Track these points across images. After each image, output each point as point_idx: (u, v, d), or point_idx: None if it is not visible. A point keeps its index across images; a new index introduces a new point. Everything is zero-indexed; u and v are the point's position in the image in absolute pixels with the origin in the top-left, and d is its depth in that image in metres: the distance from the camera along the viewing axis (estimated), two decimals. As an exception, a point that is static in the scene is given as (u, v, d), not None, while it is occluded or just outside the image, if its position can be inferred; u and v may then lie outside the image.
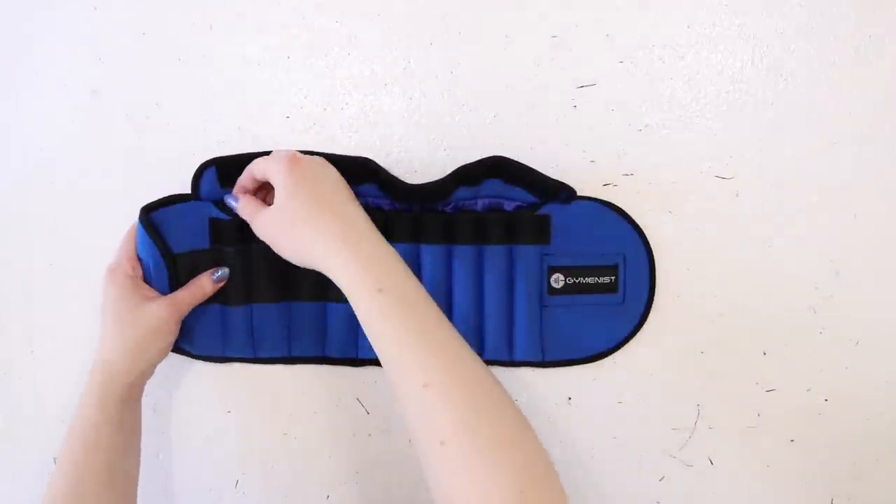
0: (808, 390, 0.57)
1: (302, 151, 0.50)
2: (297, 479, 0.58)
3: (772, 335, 0.57)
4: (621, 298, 0.56)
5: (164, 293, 0.53)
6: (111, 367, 0.50)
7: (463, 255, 0.54)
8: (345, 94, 0.57)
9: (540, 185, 0.54)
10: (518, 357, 0.55)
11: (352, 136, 0.57)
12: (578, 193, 0.55)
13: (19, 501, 0.60)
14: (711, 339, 0.57)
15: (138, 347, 0.50)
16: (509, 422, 0.41)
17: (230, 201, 0.52)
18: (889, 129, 0.56)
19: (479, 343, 0.55)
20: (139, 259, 0.53)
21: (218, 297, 0.54)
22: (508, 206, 0.55)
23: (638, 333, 0.56)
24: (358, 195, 0.51)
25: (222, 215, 0.54)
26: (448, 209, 0.55)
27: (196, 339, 0.55)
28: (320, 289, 0.55)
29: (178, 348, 0.55)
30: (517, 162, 0.54)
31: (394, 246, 0.47)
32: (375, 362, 0.56)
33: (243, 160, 0.52)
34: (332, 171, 0.50)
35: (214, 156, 0.54)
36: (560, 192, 0.54)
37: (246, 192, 0.53)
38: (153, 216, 0.53)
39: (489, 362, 0.56)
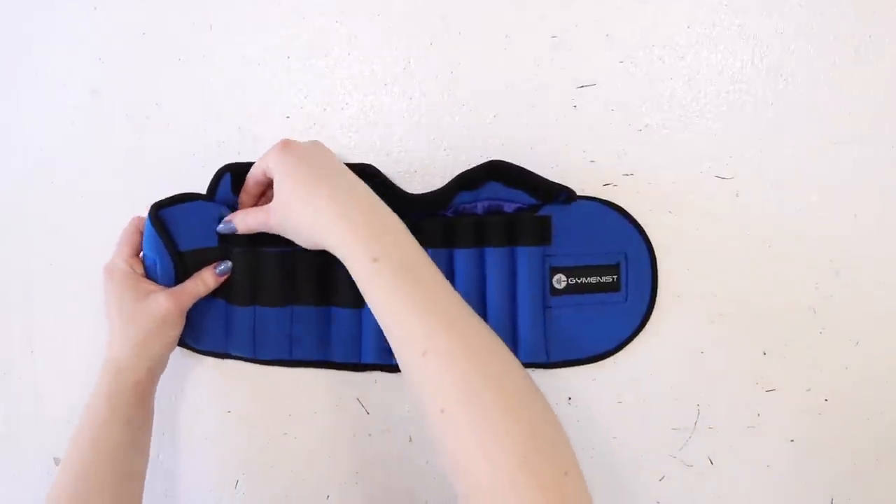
0: (808, 390, 0.57)
1: None
2: (297, 479, 0.58)
3: (772, 335, 0.57)
4: (624, 297, 0.56)
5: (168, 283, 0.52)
6: (118, 363, 0.50)
7: (464, 258, 0.54)
8: (345, 94, 0.57)
9: (539, 187, 0.54)
10: (522, 359, 0.55)
11: (352, 136, 0.57)
12: (578, 193, 0.55)
13: (19, 501, 0.60)
14: (711, 339, 0.57)
15: (144, 341, 0.50)
16: (514, 386, 0.40)
17: (226, 227, 0.51)
18: (889, 129, 0.56)
19: None
20: (144, 256, 0.53)
21: (223, 295, 0.54)
22: (509, 207, 0.55)
23: (639, 333, 0.56)
24: None
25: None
26: (448, 213, 0.55)
27: (200, 334, 0.55)
28: (325, 293, 0.55)
29: (182, 342, 0.54)
30: (516, 165, 0.54)
31: None
32: (378, 367, 0.56)
33: None
34: (325, 148, 0.49)
35: (216, 157, 0.55)
36: (560, 193, 0.54)
37: (252, 197, 0.53)
38: (162, 213, 0.52)
39: None
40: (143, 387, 0.51)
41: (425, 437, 0.57)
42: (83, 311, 0.58)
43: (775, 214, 0.56)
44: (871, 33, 0.55)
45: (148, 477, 0.53)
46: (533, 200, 0.55)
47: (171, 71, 0.57)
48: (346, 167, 0.49)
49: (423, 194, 0.54)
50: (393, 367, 0.56)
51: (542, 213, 0.55)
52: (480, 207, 0.55)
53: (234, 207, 0.54)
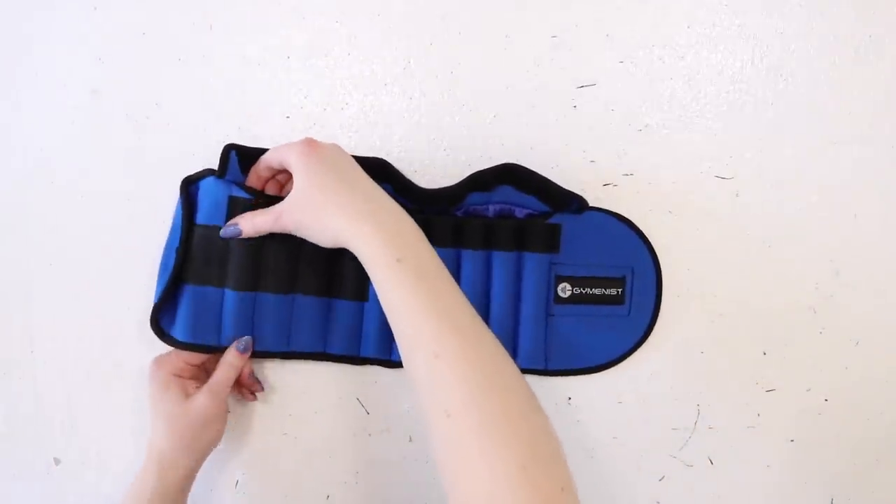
0: (808, 390, 0.57)
1: None
2: (297, 479, 0.58)
3: (772, 335, 0.57)
4: (627, 311, 0.56)
5: (170, 260, 0.53)
6: (163, 461, 0.51)
7: (471, 259, 0.54)
8: (345, 94, 0.57)
9: (552, 194, 0.54)
10: (521, 364, 0.55)
11: (352, 136, 0.57)
12: (578, 193, 0.55)
13: (19, 501, 0.59)
14: (711, 339, 0.57)
15: (191, 441, 0.51)
16: (517, 397, 0.40)
17: (229, 231, 0.51)
18: (889, 129, 0.56)
19: None
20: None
21: (221, 281, 0.53)
22: (520, 213, 0.55)
23: (639, 349, 0.56)
24: None
25: (242, 193, 0.53)
26: (459, 213, 0.55)
27: (191, 325, 0.53)
28: (330, 284, 0.55)
29: (170, 339, 0.53)
30: (529, 170, 0.54)
31: None
32: (376, 361, 0.56)
33: (262, 153, 0.53)
34: (347, 155, 0.50)
35: (216, 157, 0.54)
36: (572, 202, 0.54)
37: (260, 179, 0.53)
38: (191, 188, 0.54)
39: None
40: (188, 481, 0.53)
41: (425, 438, 0.57)
42: (83, 311, 0.58)
43: (775, 214, 0.56)
44: (871, 33, 0.55)
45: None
46: (544, 207, 0.55)
47: (171, 71, 0.57)
48: (365, 173, 0.50)
49: (435, 190, 0.54)
50: (391, 363, 0.56)
51: (552, 221, 0.55)
52: (492, 210, 0.55)
53: (242, 186, 0.54)
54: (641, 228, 0.56)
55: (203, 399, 0.51)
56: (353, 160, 0.50)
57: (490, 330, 0.44)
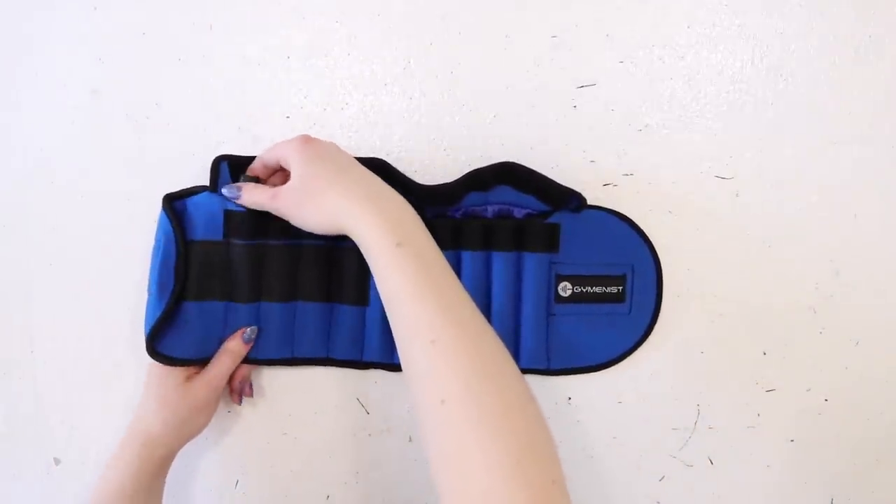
0: (808, 390, 0.57)
1: None
2: (297, 479, 0.58)
3: (772, 335, 0.57)
4: (628, 309, 0.56)
5: (169, 279, 0.52)
6: (150, 437, 0.51)
7: (471, 260, 0.54)
8: (345, 94, 0.57)
9: (551, 192, 0.54)
10: (523, 364, 0.55)
11: (352, 136, 0.57)
12: (578, 193, 0.55)
13: (19, 501, 0.60)
14: (711, 339, 0.57)
15: (182, 423, 0.52)
16: (513, 389, 0.40)
17: (231, 192, 0.51)
18: (889, 129, 0.56)
19: None
20: (155, 241, 0.53)
21: (225, 295, 0.53)
22: (518, 213, 0.55)
23: (640, 346, 0.56)
24: None
25: (238, 207, 0.53)
26: (458, 215, 0.55)
27: (198, 340, 0.53)
28: (330, 289, 0.55)
29: (168, 359, 0.52)
30: (527, 168, 0.54)
31: None
32: (379, 366, 0.56)
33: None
34: (344, 151, 0.50)
35: (217, 156, 0.54)
36: (571, 199, 0.54)
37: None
38: (176, 204, 0.53)
39: None
40: (168, 462, 0.53)
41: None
42: (83, 311, 0.58)
43: (775, 214, 0.56)
44: (871, 33, 0.55)
45: (148, 477, 0.53)
46: (543, 206, 0.55)
47: (171, 71, 0.57)
48: (363, 165, 0.50)
49: (432, 186, 0.54)
50: (393, 366, 0.56)
51: (551, 220, 0.55)
52: (490, 211, 0.55)
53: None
54: (650, 240, 0.56)
55: (201, 385, 0.52)
56: (350, 156, 0.50)
57: (486, 320, 0.44)
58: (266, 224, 0.53)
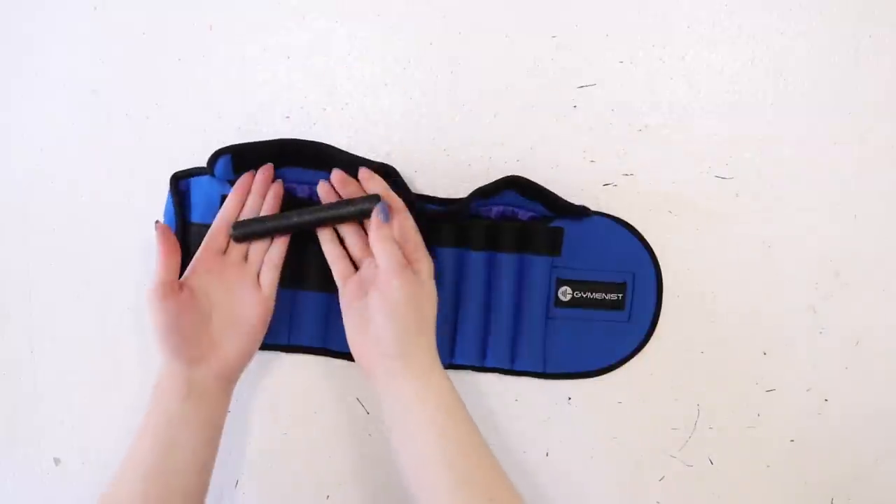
0: (808, 390, 0.57)
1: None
2: (297, 479, 0.58)
3: (772, 335, 0.57)
4: (626, 317, 0.56)
5: None
6: (229, 364, 0.50)
7: (474, 260, 0.54)
8: (345, 94, 0.57)
9: (556, 204, 0.54)
10: (519, 367, 0.56)
11: (352, 136, 0.57)
12: (579, 193, 0.55)
13: (19, 501, 0.59)
14: (711, 339, 0.57)
15: (263, 326, 0.51)
16: None
17: (382, 212, 0.49)
18: (889, 129, 0.56)
19: (481, 350, 0.55)
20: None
21: None
22: (523, 215, 0.55)
23: (637, 354, 0.56)
24: None
25: None
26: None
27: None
28: (329, 280, 0.55)
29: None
30: (533, 182, 0.53)
31: None
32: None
33: (259, 148, 0.53)
34: (434, 288, 0.50)
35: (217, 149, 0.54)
36: (575, 210, 0.54)
37: (327, 193, 0.53)
38: (181, 184, 0.55)
39: (490, 369, 0.56)
40: (224, 382, 0.50)
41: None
42: (83, 311, 0.58)
43: (775, 215, 0.56)
44: (871, 33, 0.55)
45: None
46: (547, 212, 0.55)
47: (171, 71, 0.57)
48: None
49: (439, 210, 0.54)
50: None
51: (555, 224, 0.55)
52: (495, 212, 0.55)
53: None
54: (641, 228, 0.56)
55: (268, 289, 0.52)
56: (436, 297, 0.50)
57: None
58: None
